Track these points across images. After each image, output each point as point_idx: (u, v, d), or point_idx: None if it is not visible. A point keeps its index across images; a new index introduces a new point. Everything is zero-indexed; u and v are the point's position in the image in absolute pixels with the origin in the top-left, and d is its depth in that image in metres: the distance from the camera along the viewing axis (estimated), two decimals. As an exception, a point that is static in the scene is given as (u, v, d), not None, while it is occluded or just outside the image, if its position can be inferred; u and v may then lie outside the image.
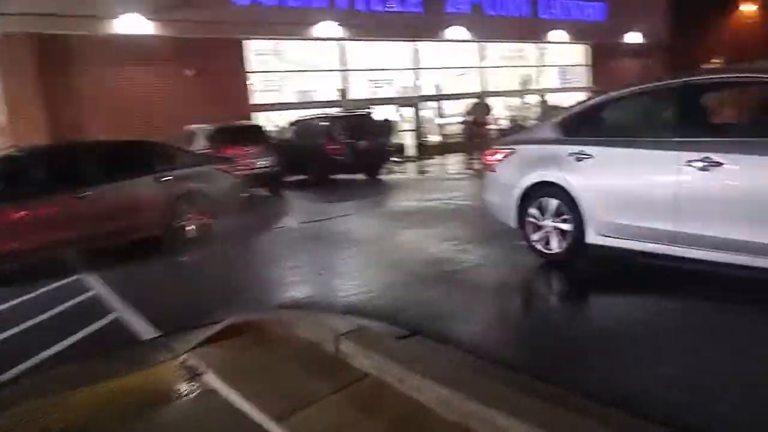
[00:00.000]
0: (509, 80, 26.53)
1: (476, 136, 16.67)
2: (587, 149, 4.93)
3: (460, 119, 20.70)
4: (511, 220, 5.64)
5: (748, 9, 36.34)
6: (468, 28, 23.66)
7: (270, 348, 3.95)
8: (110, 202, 7.33)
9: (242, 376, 3.60)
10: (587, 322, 4.20)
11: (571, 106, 5.85)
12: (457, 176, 15.00)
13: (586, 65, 29.13)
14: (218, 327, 4.34)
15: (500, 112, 22.53)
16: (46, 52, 15.05)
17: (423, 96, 23.89)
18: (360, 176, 15.81)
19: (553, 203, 5.20)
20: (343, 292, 5.22)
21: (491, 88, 24.02)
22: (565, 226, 5.10)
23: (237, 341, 4.14)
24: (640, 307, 4.32)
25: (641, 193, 4.53)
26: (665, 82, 4.74)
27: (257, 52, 19.67)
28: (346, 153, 14.57)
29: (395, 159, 18.45)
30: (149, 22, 16.60)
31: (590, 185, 4.89)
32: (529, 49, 27.51)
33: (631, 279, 4.92)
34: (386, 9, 21.28)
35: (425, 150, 22.17)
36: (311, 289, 5.50)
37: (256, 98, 19.36)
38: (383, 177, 15.96)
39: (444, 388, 2.90)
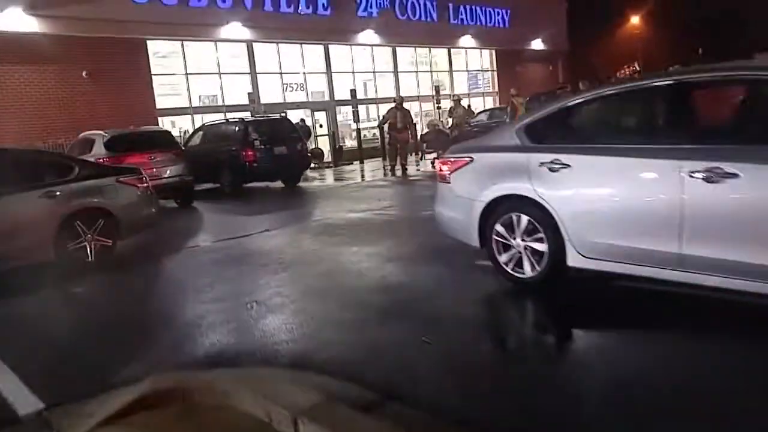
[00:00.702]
0: (423, 85, 26.78)
1: (395, 142, 16.19)
2: (562, 158, 4.32)
3: (375, 124, 20.42)
4: (472, 239, 4.95)
5: (634, 21, 40.21)
6: (379, 32, 23.67)
7: (201, 428, 2.97)
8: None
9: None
10: (600, 382, 3.28)
11: (535, 109, 5.25)
12: (381, 183, 14.32)
13: (493, 70, 30.28)
14: (126, 396, 3.26)
15: (415, 117, 22.38)
16: None
17: (337, 100, 23.45)
18: (277, 184, 14.82)
19: (524, 219, 4.56)
20: (283, 334, 4.28)
21: (404, 93, 23.87)
22: (540, 247, 4.46)
23: (153, 417, 3.09)
24: (651, 352, 3.46)
25: (635, 208, 3.94)
26: (652, 81, 4.20)
27: (161, 54, 18.66)
28: (262, 159, 13.54)
29: (313, 165, 17.70)
30: (32, 18, 15.06)
31: (570, 200, 4.29)
32: (440, 54, 28.04)
33: (629, 311, 4.15)
34: (294, 11, 20.67)
35: (341, 155, 21.54)
36: (241, 332, 4.47)
37: (161, 102, 18.34)
38: (302, 185, 15.05)
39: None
